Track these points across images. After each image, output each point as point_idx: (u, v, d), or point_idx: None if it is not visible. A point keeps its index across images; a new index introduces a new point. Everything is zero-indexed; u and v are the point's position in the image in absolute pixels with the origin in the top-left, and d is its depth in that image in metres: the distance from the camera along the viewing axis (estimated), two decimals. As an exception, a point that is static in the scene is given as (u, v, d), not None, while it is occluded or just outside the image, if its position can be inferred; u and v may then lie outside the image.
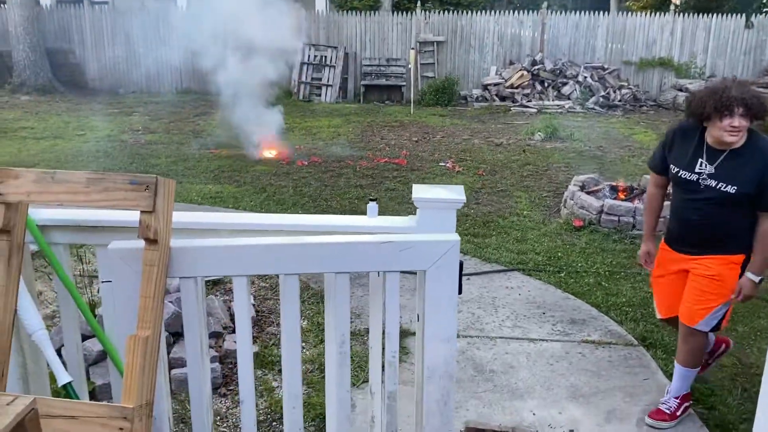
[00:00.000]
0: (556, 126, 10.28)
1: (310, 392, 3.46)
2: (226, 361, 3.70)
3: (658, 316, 3.28)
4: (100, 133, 10.33)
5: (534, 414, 3.22)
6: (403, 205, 6.42)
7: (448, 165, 8.47)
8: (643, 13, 14.79)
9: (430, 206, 1.78)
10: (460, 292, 1.80)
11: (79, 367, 2.07)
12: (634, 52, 14.43)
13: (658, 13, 14.80)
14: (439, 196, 1.78)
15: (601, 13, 14.56)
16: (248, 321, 1.79)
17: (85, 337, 3.34)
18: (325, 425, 3.15)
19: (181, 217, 1.85)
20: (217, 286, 4.70)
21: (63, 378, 1.78)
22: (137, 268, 1.66)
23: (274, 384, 3.55)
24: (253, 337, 4.02)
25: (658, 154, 3.10)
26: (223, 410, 3.31)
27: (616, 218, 5.91)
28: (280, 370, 3.72)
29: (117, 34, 14.88)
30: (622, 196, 6.27)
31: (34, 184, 1.65)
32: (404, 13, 14.70)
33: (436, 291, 1.76)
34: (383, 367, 1.93)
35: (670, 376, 3.36)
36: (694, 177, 2.87)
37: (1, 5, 15.09)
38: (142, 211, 1.62)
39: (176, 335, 3.66)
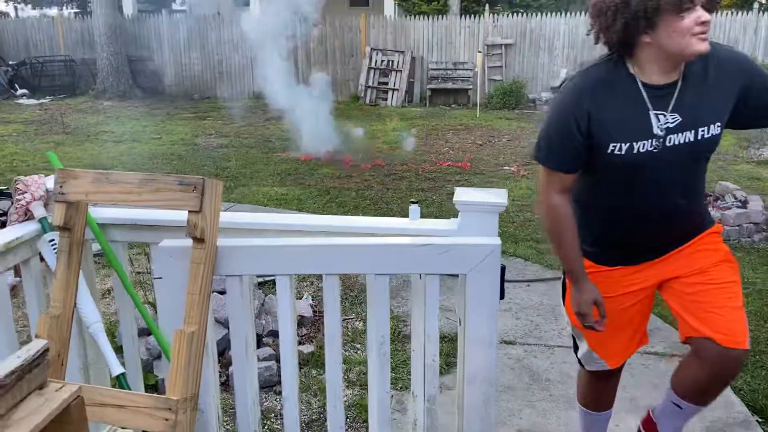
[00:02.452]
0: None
1: (363, 393, 3.49)
2: (283, 359, 3.78)
3: (608, 367, 2.27)
4: (174, 137, 10.76)
5: (589, 425, 3.13)
6: (465, 209, 6.36)
7: (512, 169, 8.35)
8: (725, 12, 14.11)
9: (472, 209, 1.77)
10: (502, 297, 1.78)
11: (135, 360, 2.17)
12: (714, 52, 13.77)
13: (740, 12, 14.10)
14: (481, 200, 1.77)
15: (679, 12, 13.97)
16: (291, 318, 1.83)
17: (150, 333, 3.49)
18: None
19: (228, 217, 1.91)
20: (275, 286, 4.80)
21: (116, 369, 1.87)
22: (185, 265, 1.72)
23: (328, 384, 3.60)
24: (310, 337, 4.10)
25: (566, 145, 1.88)
26: (278, 407, 3.38)
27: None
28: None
29: (192, 41, 15.46)
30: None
31: (92, 184, 1.74)
32: (472, 16, 14.60)
33: (476, 295, 1.74)
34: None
35: (737, 392, 3.19)
36: (655, 142, 1.82)
37: (87, 15, 15.98)
38: (189, 211, 1.68)
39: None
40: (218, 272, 1.77)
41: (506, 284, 1.77)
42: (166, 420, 1.62)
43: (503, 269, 1.75)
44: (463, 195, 1.79)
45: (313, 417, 3.33)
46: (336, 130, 10.71)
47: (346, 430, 2.64)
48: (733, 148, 9.56)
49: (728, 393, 3.30)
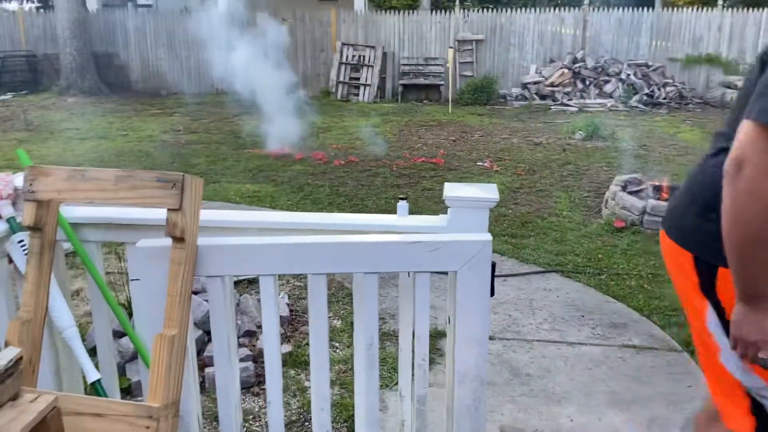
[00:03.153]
0: (598, 125, 10.06)
1: (343, 393, 3.44)
2: (260, 360, 3.70)
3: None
4: (142, 134, 10.53)
5: (572, 420, 3.12)
6: (440, 205, 6.35)
7: (486, 164, 8.36)
8: (690, 9, 14.36)
9: (462, 205, 1.73)
10: (492, 294, 1.74)
11: (110, 364, 2.08)
12: (680, 49, 14.03)
13: (705, 9, 14.36)
14: (471, 195, 1.73)
15: (646, 9, 14.20)
16: (276, 321, 1.77)
17: (122, 335, 3.38)
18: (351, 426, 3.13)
19: (209, 215, 1.84)
20: (252, 285, 4.72)
21: (92, 375, 1.78)
22: (164, 266, 1.65)
23: (307, 384, 3.53)
24: (287, 336, 4.02)
25: None
26: (256, 409, 3.31)
27: (659, 219, 5.73)
28: (313, 370, 3.72)
29: (159, 37, 15.17)
30: (666, 197, 6.08)
31: (65, 181, 1.66)
32: (443, 11, 14.60)
33: (467, 292, 1.70)
34: (414, 370, 1.88)
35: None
36: None
37: (50, 9, 15.55)
38: (169, 209, 1.61)
39: (209, 334, 3.68)
40: (198, 273, 1.70)
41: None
42: (147, 428, 1.55)
43: (494, 266, 1.72)
44: (453, 190, 1.75)
45: (293, 418, 3.26)
46: (307, 126, 10.61)
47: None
48: None
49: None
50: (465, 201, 1.72)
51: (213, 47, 11.13)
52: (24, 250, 1.79)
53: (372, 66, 14.04)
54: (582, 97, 13.26)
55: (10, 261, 1.89)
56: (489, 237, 1.69)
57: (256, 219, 1.88)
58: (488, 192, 1.75)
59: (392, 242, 1.69)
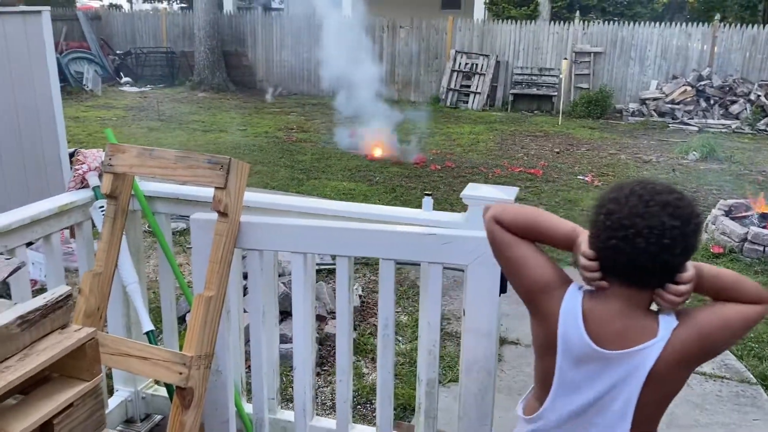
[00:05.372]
0: (714, 146, 9.51)
1: (397, 383, 3.60)
2: (326, 344, 3.94)
3: None
4: (258, 129, 11.23)
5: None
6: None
7: (587, 179, 8.19)
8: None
9: (478, 203, 1.84)
10: (504, 291, 1.84)
11: (172, 321, 2.37)
12: (823, 70, 12.91)
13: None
14: (487, 194, 1.83)
15: (785, 26, 13.20)
16: (348, 298, 1.95)
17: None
18: (401, 415, 3.28)
19: (255, 197, 2.07)
20: (331, 274, 4.98)
21: (146, 326, 2.07)
22: (211, 237, 1.89)
23: (365, 371, 3.72)
24: (355, 325, 4.24)
25: None
26: (317, 388, 3.54)
27: (761, 248, 5.41)
28: (373, 359, 3.89)
29: (285, 40, 16.02)
30: (772, 225, 5.72)
31: (136, 158, 1.94)
32: (562, 23, 14.34)
33: (476, 286, 1.81)
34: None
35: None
36: None
37: (190, 10, 16.88)
38: (216, 187, 1.85)
39: (284, 314, 3.97)
40: (240, 245, 1.93)
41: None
42: (180, 374, 1.79)
43: (505, 263, 1.81)
44: (471, 189, 1.86)
45: (346, 400, 3.46)
46: (411, 131, 10.83)
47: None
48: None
49: None
50: (481, 199, 1.83)
51: (331, 51, 11.68)
52: (103, 215, 2.10)
53: (484, 74, 14.05)
54: (704, 117, 12.54)
55: (94, 225, 2.22)
56: (499, 235, 1.79)
57: (296, 203, 2.09)
58: (506, 193, 1.85)
59: (409, 233, 1.84)
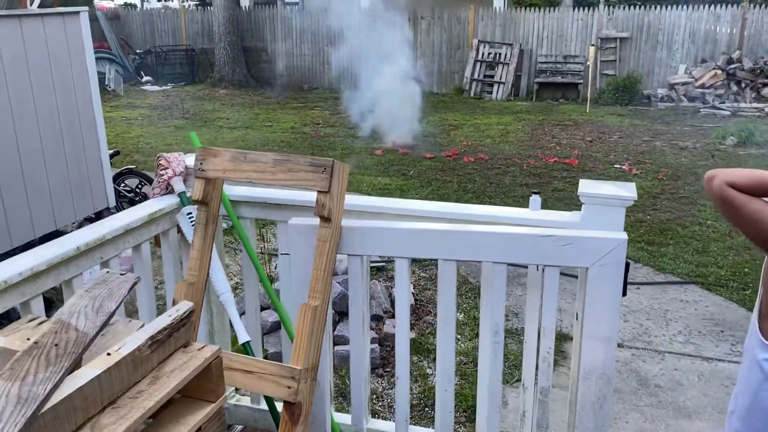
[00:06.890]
0: (753, 130, 9.30)
1: (462, 383, 3.51)
2: (385, 344, 3.86)
3: None
4: (285, 125, 11.15)
5: (702, 436, 2.99)
6: (571, 207, 6.20)
7: (624, 167, 8.03)
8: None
9: (597, 202, 1.73)
10: (624, 294, 1.74)
11: (257, 330, 2.29)
12: None
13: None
14: (608, 193, 1.73)
15: (818, 5, 12.88)
16: (407, 299, 1.87)
17: (260, 308, 3.67)
18: (474, 416, 3.19)
19: (350, 199, 1.97)
20: (380, 272, 4.90)
21: (243, 337, 1.99)
22: (311, 242, 1.80)
23: (428, 371, 3.64)
24: (411, 324, 4.15)
25: None
26: (380, 390, 3.46)
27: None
28: (434, 358, 3.81)
29: (304, 34, 15.91)
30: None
31: (230, 162, 1.86)
32: (586, 9, 14.10)
33: (598, 289, 1.71)
34: (537, 363, 1.91)
35: None
36: None
37: (208, 7, 16.81)
38: (318, 191, 1.75)
39: (341, 314, 3.89)
40: (341, 251, 1.84)
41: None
42: (289, 388, 1.71)
43: (627, 265, 1.71)
44: (588, 187, 1.76)
45: (413, 402, 3.38)
46: (439, 123, 10.70)
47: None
48: None
49: None
50: (600, 198, 1.73)
51: (352, 44, 11.57)
52: (191, 222, 2.02)
53: (508, 64, 13.87)
54: (736, 101, 12.28)
55: (179, 230, 2.14)
56: (624, 236, 1.69)
57: (392, 205, 1.99)
58: (626, 190, 1.74)
59: (523, 234, 1.74)
